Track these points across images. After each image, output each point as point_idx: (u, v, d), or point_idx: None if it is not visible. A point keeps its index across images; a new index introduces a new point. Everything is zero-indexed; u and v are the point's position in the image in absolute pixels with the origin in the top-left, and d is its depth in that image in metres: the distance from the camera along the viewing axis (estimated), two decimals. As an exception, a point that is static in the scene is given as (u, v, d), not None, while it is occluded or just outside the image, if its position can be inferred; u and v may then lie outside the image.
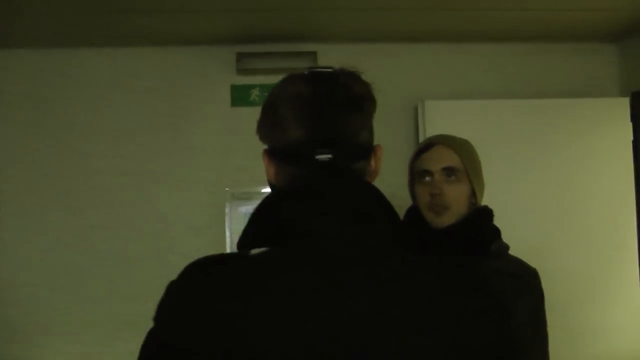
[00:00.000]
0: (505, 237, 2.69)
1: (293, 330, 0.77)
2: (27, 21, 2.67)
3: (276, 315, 0.78)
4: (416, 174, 1.59)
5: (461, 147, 1.57)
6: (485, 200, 2.66)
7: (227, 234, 2.92)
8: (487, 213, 1.60)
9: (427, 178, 1.56)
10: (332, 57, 3.04)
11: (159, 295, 0.88)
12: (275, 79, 3.32)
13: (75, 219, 2.96)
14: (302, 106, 0.89)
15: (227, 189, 2.94)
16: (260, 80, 2.97)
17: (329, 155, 0.87)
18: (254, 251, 0.85)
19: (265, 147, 0.95)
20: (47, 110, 3.00)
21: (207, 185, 2.95)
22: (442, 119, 2.79)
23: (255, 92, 2.97)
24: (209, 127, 2.99)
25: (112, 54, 3.00)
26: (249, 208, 2.90)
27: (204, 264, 0.87)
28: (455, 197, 1.52)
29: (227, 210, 2.93)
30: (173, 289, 0.85)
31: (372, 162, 0.94)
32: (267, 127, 0.93)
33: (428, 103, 2.82)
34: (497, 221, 2.67)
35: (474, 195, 1.56)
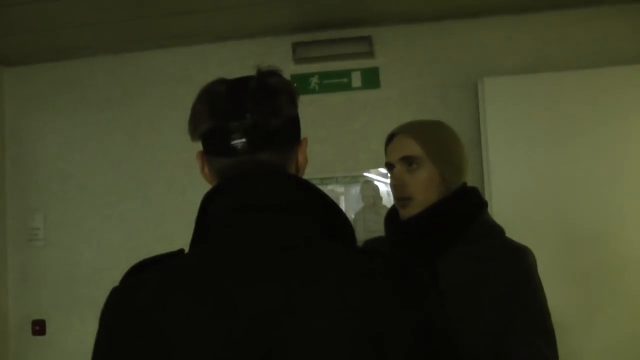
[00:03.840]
0: (577, 211, 2.68)
1: (207, 327, 0.82)
2: (102, 31, 2.99)
3: (190, 315, 0.83)
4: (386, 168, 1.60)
5: (422, 133, 1.50)
6: (552, 178, 2.66)
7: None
8: (461, 197, 1.50)
9: (391, 171, 1.54)
10: (388, 39, 3.11)
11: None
12: (332, 66, 3.47)
13: (149, 208, 3.23)
14: (214, 99, 0.95)
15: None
16: (318, 68, 3.09)
17: (243, 140, 0.91)
18: (190, 249, 0.94)
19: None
20: (121, 109, 3.34)
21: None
22: (503, 95, 2.80)
23: (314, 80, 3.07)
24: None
25: (177, 52, 3.29)
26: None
27: (138, 268, 0.95)
28: (418, 186, 1.47)
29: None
30: (111, 294, 0.93)
31: (299, 155, 1.00)
32: (189, 126, 0.97)
33: (488, 80, 2.82)
34: (569, 199, 2.67)
35: (445, 179, 1.49)
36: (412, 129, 1.51)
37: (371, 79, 3.06)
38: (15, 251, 3.36)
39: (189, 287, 0.85)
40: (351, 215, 3.01)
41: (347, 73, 3.07)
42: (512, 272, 1.39)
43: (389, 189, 2.95)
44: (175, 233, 3.16)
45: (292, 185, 0.93)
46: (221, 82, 0.99)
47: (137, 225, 3.24)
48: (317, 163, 3.04)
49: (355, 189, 3.02)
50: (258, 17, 2.90)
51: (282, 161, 0.96)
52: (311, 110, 3.07)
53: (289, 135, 0.98)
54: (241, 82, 0.96)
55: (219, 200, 0.92)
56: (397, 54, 3.07)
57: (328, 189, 3.01)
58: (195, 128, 0.95)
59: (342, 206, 3.00)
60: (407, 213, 1.49)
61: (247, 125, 0.91)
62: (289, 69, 3.11)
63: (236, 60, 3.17)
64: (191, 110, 0.97)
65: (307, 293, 0.83)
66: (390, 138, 1.56)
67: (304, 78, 3.09)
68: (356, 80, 3.06)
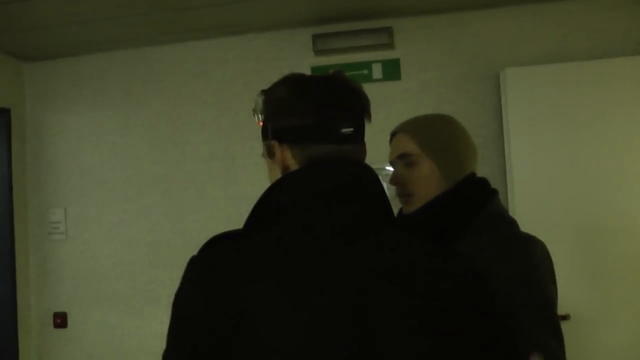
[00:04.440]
0: (601, 203, 2.64)
1: (292, 317, 0.88)
2: (120, 25, 3.00)
3: (276, 303, 0.89)
4: None
5: (418, 129, 1.52)
6: (575, 168, 2.62)
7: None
8: (462, 189, 1.47)
9: (393, 169, 1.57)
10: (408, 30, 3.08)
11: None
12: (353, 57, 3.44)
13: (168, 202, 3.26)
14: (316, 93, 1.05)
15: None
16: (338, 60, 3.08)
17: (351, 129, 1.03)
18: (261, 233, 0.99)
19: (273, 139, 1.07)
20: (140, 103, 3.36)
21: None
22: (525, 85, 2.76)
23: (334, 72, 3.02)
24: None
25: (196, 46, 3.30)
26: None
27: (216, 240, 1.01)
28: (416, 183, 1.49)
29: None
30: (191, 264, 0.99)
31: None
32: (283, 118, 1.05)
33: (509, 70, 2.78)
34: (592, 190, 2.63)
35: (445, 174, 1.48)
36: (408, 127, 1.54)
37: (392, 70, 3.03)
38: (36, 245, 3.40)
39: (274, 273, 0.91)
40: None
41: (367, 64, 3.05)
42: (516, 263, 1.36)
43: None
44: (194, 227, 3.17)
45: (374, 175, 1.06)
46: (308, 77, 1.10)
47: (157, 219, 3.26)
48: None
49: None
50: (277, 9, 2.89)
51: (365, 152, 1.11)
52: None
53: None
54: (333, 79, 1.07)
55: (303, 184, 0.99)
56: (418, 45, 3.04)
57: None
58: (289, 116, 1.03)
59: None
60: (409, 209, 1.51)
61: (354, 117, 1.04)
62: (309, 61, 3.10)
63: (255, 53, 3.17)
64: (277, 102, 1.07)
65: (385, 286, 0.89)
66: (392, 137, 1.61)
67: (323, 70, 3.05)
68: (377, 71, 3.04)
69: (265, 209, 1.02)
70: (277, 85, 1.10)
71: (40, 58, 3.42)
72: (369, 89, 3.41)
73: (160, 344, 0.97)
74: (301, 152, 1.02)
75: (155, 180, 3.28)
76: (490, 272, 1.30)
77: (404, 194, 1.51)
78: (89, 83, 3.39)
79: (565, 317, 2.51)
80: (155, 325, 3.14)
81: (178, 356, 0.93)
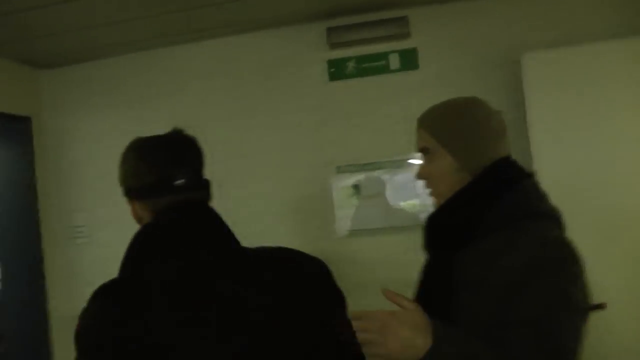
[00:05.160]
0: (625, 190, 2.58)
1: (177, 328, 1.09)
2: (133, 27, 3.01)
3: (165, 318, 1.10)
4: None
5: (432, 120, 1.43)
6: (599, 152, 2.56)
7: (334, 207, 2.99)
8: (476, 182, 1.36)
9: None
10: (424, 19, 3.05)
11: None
12: (369, 49, 3.41)
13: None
14: (153, 154, 1.33)
15: (330, 162, 3.01)
16: (354, 52, 3.07)
17: (183, 180, 1.26)
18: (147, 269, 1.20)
19: (126, 196, 1.34)
20: (156, 105, 3.36)
21: (310, 160, 3.05)
22: (544, 70, 2.72)
23: (351, 65, 3.04)
24: (308, 104, 3.08)
25: (210, 45, 3.31)
26: (353, 180, 2.97)
27: (99, 302, 1.19)
28: (435, 177, 1.42)
29: (331, 183, 3.00)
30: (83, 314, 1.18)
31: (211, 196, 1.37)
32: (127, 180, 1.33)
33: (528, 55, 2.73)
34: (616, 175, 2.57)
35: (463, 165, 1.38)
36: (422, 119, 1.45)
37: (409, 60, 3.00)
38: (59, 249, 3.44)
39: (152, 304, 1.13)
40: (400, 204, 2.98)
41: (384, 55, 3.02)
42: (518, 261, 1.20)
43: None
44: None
45: (212, 211, 1.31)
46: (148, 139, 1.36)
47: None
48: (356, 149, 3.01)
49: (401, 176, 2.97)
50: (291, 4, 2.89)
51: (206, 194, 1.36)
52: (348, 96, 3.03)
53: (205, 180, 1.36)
54: (170, 140, 1.34)
55: (153, 232, 1.24)
56: (435, 33, 3.01)
57: (374, 176, 2.98)
58: (140, 179, 1.29)
59: (389, 194, 2.97)
60: (435, 206, 1.45)
61: (186, 170, 1.29)
62: (324, 55, 3.08)
63: (270, 50, 3.17)
64: (126, 167, 1.33)
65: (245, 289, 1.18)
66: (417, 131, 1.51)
67: (340, 63, 3.06)
68: (394, 62, 3.01)
69: (142, 255, 1.23)
70: (126, 151, 1.35)
71: (55, 65, 3.46)
72: (386, 80, 3.37)
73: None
74: (147, 205, 1.26)
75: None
76: (490, 272, 1.23)
77: (428, 190, 1.46)
78: (105, 87, 3.42)
79: (601, 306, 2.45)
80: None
81: None
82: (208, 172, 3.43)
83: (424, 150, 1.43)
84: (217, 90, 3.25)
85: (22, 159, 3.36)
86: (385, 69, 3.01)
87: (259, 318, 1.13)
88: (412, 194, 2.94)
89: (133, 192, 1.31)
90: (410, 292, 2.75)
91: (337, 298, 1.30)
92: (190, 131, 3.32)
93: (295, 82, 3.15)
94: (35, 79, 3.48)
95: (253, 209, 3.10)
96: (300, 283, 1.22)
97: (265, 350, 1.11)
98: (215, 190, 3.30)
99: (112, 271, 1.27)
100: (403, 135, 3.04)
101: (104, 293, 1.19)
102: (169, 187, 1.25)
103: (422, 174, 1.45)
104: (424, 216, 1.50)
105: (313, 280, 1.26)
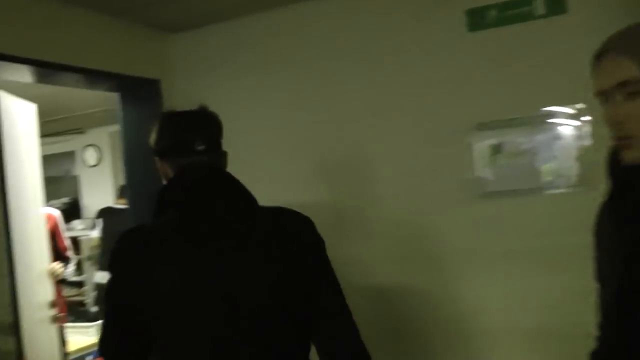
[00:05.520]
0: None
1: (172, 267, 1.44)
2: None
3: (160, 259, 1.45)
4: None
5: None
6: None
7: (474, 166, 2.82)
8: None
9: (604, 102, 1.18)
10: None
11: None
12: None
13: (323, 161, 3.18)
14: (180, 123, 1.65)
15: (470, 119, 2.83)
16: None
17: (203, 146, 1.54)
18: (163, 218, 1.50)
19: (156, 156, 1.62)
20: (290, 66, 3.26)
21: (448, 118, 2.89)
22: None
23: (492, 13, 2.80)
24: (444, 58, 2.89)
25: (339, 2, 3.12)
26: (496, 139, 2.80)
27: (129, 233, 1.54)
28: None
29: (473, 141, 2.83)
30: (112, 252, 1.52)
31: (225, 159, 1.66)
32: (157, 141, 1.62)
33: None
34: None
35: None
36: (628, 43, 1.13)
37: (557, 4, 2.73)
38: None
39: (164, 242, 1.47)
40: (547, 164, 2.77)
41: (528, 0, 2.77)
42: None
43: (577, 132, 2.68)
44: (355, 188, 3.09)
45: (226, 173, 1.57)
46: (177, 112, 1.68)
47: (311, 187, 3.20)
48: (497, 105, 2.81)
49: (542, 135, 2.74)
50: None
51: (222, 160, 1.64)
52: (488, 47, 2.83)
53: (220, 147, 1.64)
54: (194, 113, 1.64)
55: (175, 184, 1.52)
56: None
57: (516, 133, 2.78)
58: (166, 142, 1.58)
59: (533, 152, 2.76)
60: (631, 156, 1.14)
61: (204, 138, 1.57)
62: (464, 4, 2.86)
63: (402, 2, 2.97)
64: (156, 131, 1.62)
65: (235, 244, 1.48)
66: (598, 58, 1.19)
67: (480, 12, 2.83)
68: (540, 7, 2.75)
69: (161, 203, 1.50)
70: (159, 120, 1.64)
71: (186, 28, 3.45)
72: (530, 28, 3.06)
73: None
74: (171, 165, 1.55)
75: (308, 146, 3.21)
76: None
77: (623, 136, 1.14)
78: (237, 49, 3.36)
79: None
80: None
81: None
82: (347, 130, 3.30)
83: (626, 85, 1.11)
84: (346, 50, 3.10)
85: (152, 121, 3.42)
86: (529, 16, 2.74)
87: (251, 250, 1.45)
88: (560, 154, 2.73)
89: (160, 152, 1.59)
90: (560, 258, 2.46)
91: (318, 240, 1.57)
92: (330, 92, 3.21)
93: (434, 34, 2.92)
94: (165, 42, 3.50)
95: (390, 168, 3.00)
96: (289, 228, 1.52)
97: (250, 279, 1.44)
98: (354, 149, 3.18)
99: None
100: (542, 87, 2.82)
101: (130, 231, 1.55)
102: (188, 150, 1.54)
103: (619, 114, 1.13)
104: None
105: (300, 227, 1.55)
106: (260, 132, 3.32)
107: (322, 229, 1.63)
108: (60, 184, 7.51)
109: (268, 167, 3.29)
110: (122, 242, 1.51)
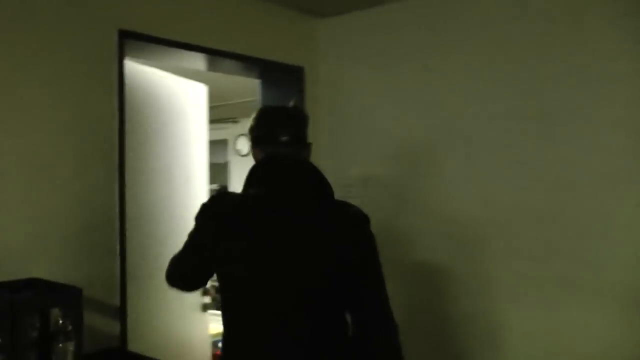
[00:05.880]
0: None
1: (254, 229, 1.65)
2: None
3: (247, 221, 1.67)
4: None
5: None
6: None
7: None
8: None
9: None
10: None
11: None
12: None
13: (471, 164, 2.91)
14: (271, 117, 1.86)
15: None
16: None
17: (286, 137, 1.78)
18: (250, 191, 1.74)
19: (251, 143, 1.86)
20: (437, 55, 3.03)
21: (624, 125, 2.43)
22: None
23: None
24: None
25: None
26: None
27: (218, 195, 1.86)
28: None
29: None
30: (202, 205, 1.76)
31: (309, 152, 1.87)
32: (257, 131, 1.84)
33: None
34: None
35: None
36: None
37: None
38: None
39: (244, 210, 1.69)
40: None
41: None
42: None
43: None
44: (501, 198, 2.76)
45: (306, 162, 1.78)
46: (272, 107, 1.95)
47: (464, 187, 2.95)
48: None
49: None
50: None
51: (305, 151, 1.83)
52: None
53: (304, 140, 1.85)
54: (284, 109, 1.85)
55: (261, 168, 1.74)
56: None
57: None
58: (257, 132, 1.82)
59: None
60: None
61: (289, 131, 1.78)
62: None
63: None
64: (252, 123, 1.83)
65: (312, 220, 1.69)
66: None
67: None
68: None
69: (248, 181, 1.72)
70: (255, 113, 1.84)
71: (333, 13, 3.31)
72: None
73: None
74: (260, 151, 1.79)
75: (458, 140, 2.94)
76: None
77: None
78: (385, 35, 3.17)
79: None
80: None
81: (189, 241, 1.77)
82: (499, 132, 2.91)
83: None
84: (517, 38, 2.76)
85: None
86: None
87: (306, 235, 1.63)
88: None
89: (253, 140, 1.82)
90: None
91: (372, 235, 1.70)
92: (480, 86, 2.88)
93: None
94: (312, 27, 3.40)
95: (552, 178, 2.65)
96: (352, 220, 1.69)
97: (303, 261, 1.61)
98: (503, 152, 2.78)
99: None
100: None
101: (221, 194, 1.90)
102: (274, 140, 1.76)
103: None
104: None
105: (361, 221, 1.70)
106: (410, 125, 3.10)
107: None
108: (212, 170, 7.74)
109: (415, 163, 3.08)
110: (212, 200, 1.78)
